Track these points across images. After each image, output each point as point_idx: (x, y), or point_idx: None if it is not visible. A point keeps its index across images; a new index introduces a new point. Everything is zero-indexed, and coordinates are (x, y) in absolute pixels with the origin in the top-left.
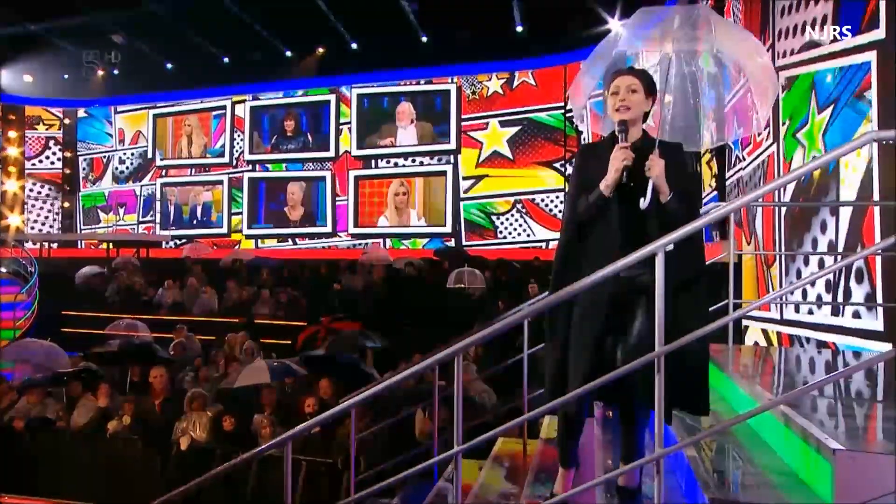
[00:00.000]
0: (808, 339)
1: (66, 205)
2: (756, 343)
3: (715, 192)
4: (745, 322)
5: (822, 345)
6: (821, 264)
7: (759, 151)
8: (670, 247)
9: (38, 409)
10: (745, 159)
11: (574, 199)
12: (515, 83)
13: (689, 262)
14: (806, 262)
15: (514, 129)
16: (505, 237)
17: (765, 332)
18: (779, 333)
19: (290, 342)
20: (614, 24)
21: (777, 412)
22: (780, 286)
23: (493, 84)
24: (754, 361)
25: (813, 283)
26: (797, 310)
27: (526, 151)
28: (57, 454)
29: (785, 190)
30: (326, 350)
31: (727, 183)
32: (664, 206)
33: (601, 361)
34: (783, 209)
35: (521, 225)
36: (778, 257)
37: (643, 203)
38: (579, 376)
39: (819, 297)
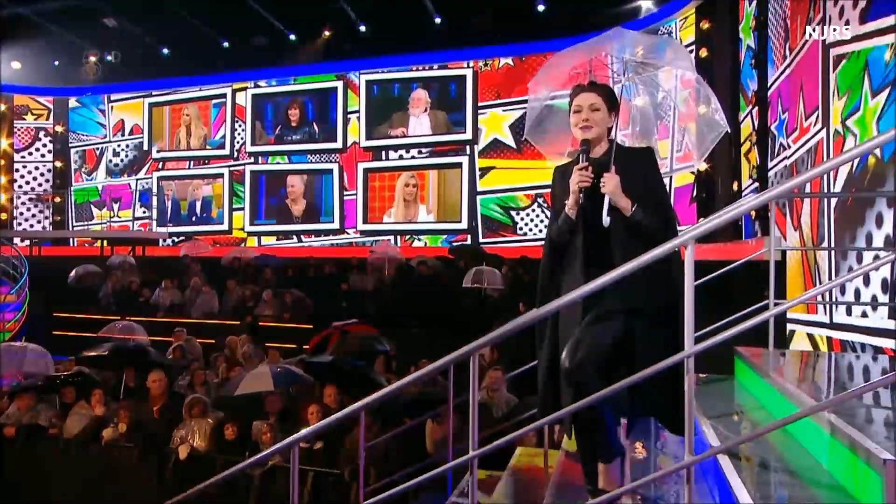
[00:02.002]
0: (862, 345)
1: (58, 200)
2: (803, 349)
3: (755, 184)
4: (790, 326)
5: (878, 351)
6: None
7: (805, 137)
8: (687, 248)
9: (30, 415)
10: (789, 147)
11: (551, 222)
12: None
13: (660, 283)
14: (859, 261)
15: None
16: (525, 234)
17: (811, 336)
18: (828, 338)
19: (295, 346)
20: (644, 2)
21: (822, 420)
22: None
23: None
24: (798, 366)
25: (867, 282)
26: (849, 312)
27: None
28: (49, 463)
29: (835, 180)
30: (332, 354)
31: (770, 173)
32: (630, 221)
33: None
34: (832, 201)
35: (542, 221)
36: (828, 254)
37: (605, 221)
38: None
39: (874, 298)
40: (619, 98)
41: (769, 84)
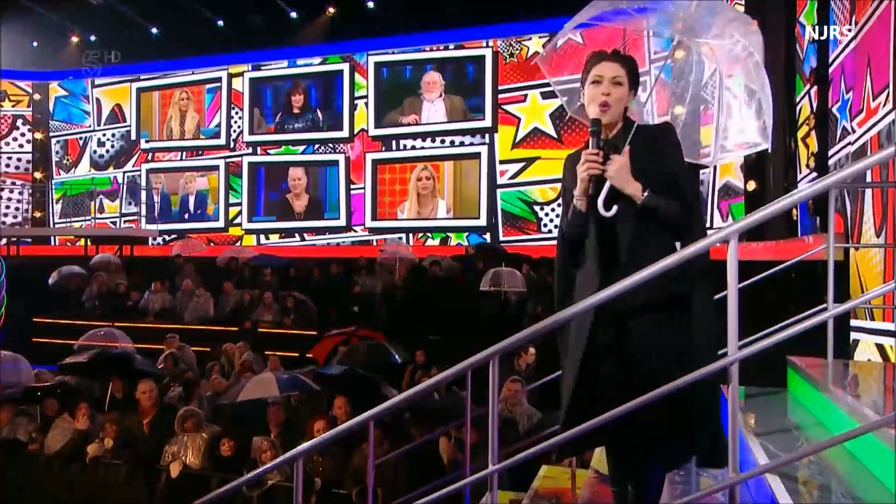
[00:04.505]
0: None
1: (38, 194)
2: (869, 360)
3: (814, 174)
4: (853, 335)
5: None
6: None
7: (874, 120)
8: (730, 243)
9: (8, 429)
10: (854, 131)
11: (562, 217)
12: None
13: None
14: None
15: (558, 101)
16: (550, 231)
17: (880, 347)
18: None
19: (297, 354)
20: None
21: (887, 437)
22: None
23: (534, 44)
24: (862, 378)
25: None
26: None
27: (575, 128)
28: (29, 481)
29: None
30: (338, 362)
31: (830, 161)
32: (643, 208)
33: (590, 396)
34: None
35: None
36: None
37: (603, 211)
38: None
39: None
40: (656, 79)
41: (830, 60)
